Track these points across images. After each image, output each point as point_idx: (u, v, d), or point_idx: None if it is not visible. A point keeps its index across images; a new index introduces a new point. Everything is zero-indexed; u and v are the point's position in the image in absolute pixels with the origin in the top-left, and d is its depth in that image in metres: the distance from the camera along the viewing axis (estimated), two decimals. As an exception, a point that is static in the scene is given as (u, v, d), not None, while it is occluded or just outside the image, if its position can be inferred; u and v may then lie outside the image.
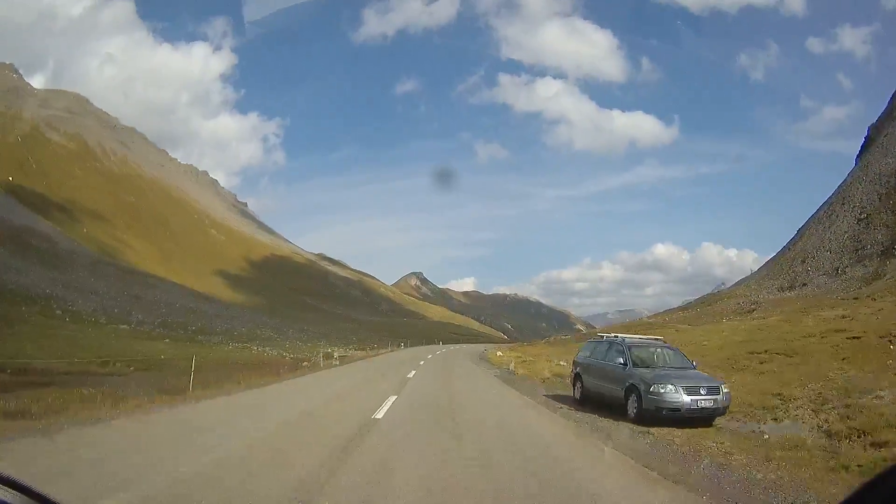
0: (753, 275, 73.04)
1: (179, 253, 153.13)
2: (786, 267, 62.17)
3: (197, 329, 39.57)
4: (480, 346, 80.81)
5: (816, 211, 70.12)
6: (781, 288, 56.64)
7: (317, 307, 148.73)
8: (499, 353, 48.24)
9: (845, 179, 68.70)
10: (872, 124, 72.50)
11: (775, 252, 74.21)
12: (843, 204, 61.64)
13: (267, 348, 32.87)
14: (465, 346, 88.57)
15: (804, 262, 58.88)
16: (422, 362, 34.58)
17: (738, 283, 75.90)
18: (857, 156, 71.98)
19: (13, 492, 1.90)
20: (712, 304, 62.66)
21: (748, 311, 47.62)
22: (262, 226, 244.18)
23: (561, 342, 61.98)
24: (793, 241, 69.13)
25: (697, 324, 46.22)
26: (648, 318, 76.22)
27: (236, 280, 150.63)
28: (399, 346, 69.59)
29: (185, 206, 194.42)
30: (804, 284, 53.67)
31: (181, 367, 20.11)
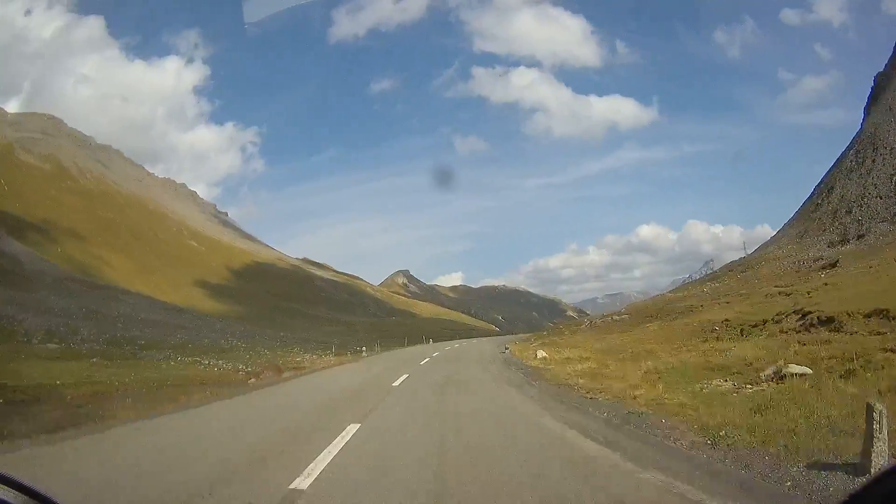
0: (776, 238, 69.19)
1: (159, 266, 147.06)
2: (826, 222, 57.66)
3: (146, 344, 33.67)
4: (485, 343, 67.48)
5: (835, 164, 67.73)
6: (832, 243, 51.93)
7: (302, 312, 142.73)
8: (539, 355, 29.03)
9: (861, 129, 66.33)
10: (880, 72, 70.36)
11: (793, 212, 72.83)
12: (876, 149, 57.41)
13: (223, 361, 26.91)
14: (463, 343, 70.06)
15: (850, 212, 54.19)
16: (396, 383, 19.40)
17: (759, 249, 71.95)
18: (866, 107, 69.32)
19: (14, 492, 1.90)
20: (747, 269, 57.49)
21: (829, 266, 42.73)
22: (243, 234, 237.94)
23: (599, 327, 52.19)
24: (819, 196, 65.46)
25: (757, 290, 41.26)
26: (670, 292, 72.89)
27: (217, 290, 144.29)
28: (376, 348, 53.90)
29: (164, 219, 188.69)
30: (861, 236, 49.18)
31: (63, 396, 14.24)
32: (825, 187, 65.37)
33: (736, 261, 74.70)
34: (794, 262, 50.50)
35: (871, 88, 70.38)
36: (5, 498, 1.85)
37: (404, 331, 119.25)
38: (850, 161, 61.76)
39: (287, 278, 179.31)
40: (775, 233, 72.83)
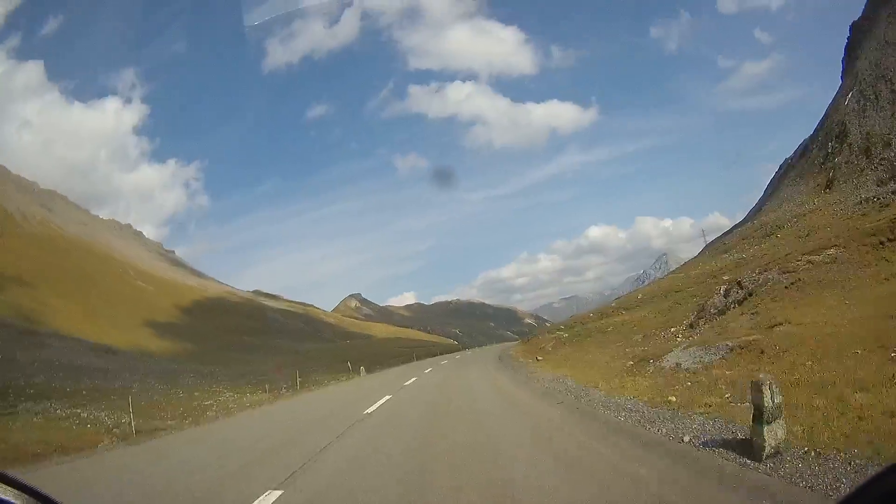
0: (778, 202, 67.30)
1: (105, 308, 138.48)
2: (858, 163, 54.34)
3: (35, 393, 28.68)
4: (471, 368, 38.40)
5: (826, 117, 68.97)
6: (882, 181, 47.89)
7: (255, 345, 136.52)
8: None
9: (844, 79, 69.01)
10: (855, 21, 71.21)
11: (772, 178, 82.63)
12: (888, 80, 56.41)
13: (105, 413, 21.77)
14: (424, 367, 47.39)
15: (890, 145, 51.61)
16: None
17: (752, 218, 73.28)
18: (844, 58, 71.96)
19: (15, 492, 1.88)
20: (771, 233, 52.52)
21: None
22: (192, 271, 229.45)
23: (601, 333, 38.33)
24: (826, 145, 63.34)
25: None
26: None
27: (166, 329, 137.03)
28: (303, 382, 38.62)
29: (109, 261, 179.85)
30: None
31: None
32: (830, 135, 63.24)
33: (738, 228, 75.71)
34: (843, 210, 45.90)
35: (847, 39, 72.12)
36: (6, 498, 1.81)
37: (361, 353, 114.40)
38: (854, 103, 60.43)
39: (239, 312, 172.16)
40: (771, 189, 76.35)
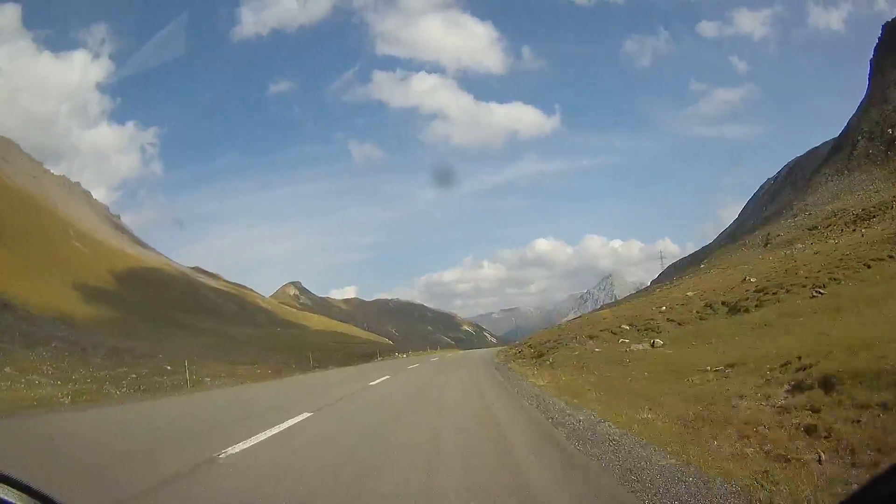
0: (818, 193, 70.98)
1: (42, 264, 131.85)
2: (877, 158, 59.93)
3: None
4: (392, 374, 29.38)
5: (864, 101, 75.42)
6: None
7: (183, 322, 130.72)
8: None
9: (872, 77, 75.62)
10: (887, 22, 77.03)
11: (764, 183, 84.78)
12: None
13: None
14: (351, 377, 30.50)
15: None
16: None
17: (775, 219, 76.10)
18: (874, 58, 77.40)
19: (15, 491, 1.86)
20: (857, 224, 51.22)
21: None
22: (135, 239, 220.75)
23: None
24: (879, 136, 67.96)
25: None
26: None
27: (95, 294, 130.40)
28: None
29: (53, 218, 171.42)
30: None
31: None
32: (874, 131, 68.52)
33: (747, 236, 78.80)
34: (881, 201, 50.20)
35: (879, 38, 78.07)
36: (5, 498, 1.79)
37: (291, 343, 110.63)
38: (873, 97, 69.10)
39: (173, 286, 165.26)
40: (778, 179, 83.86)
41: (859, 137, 70.40)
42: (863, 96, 77.43)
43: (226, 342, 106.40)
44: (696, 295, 38.75)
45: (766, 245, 58.06)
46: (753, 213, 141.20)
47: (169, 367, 29.30)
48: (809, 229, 55.93)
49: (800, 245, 50.27)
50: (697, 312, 32.97)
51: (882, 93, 70.12)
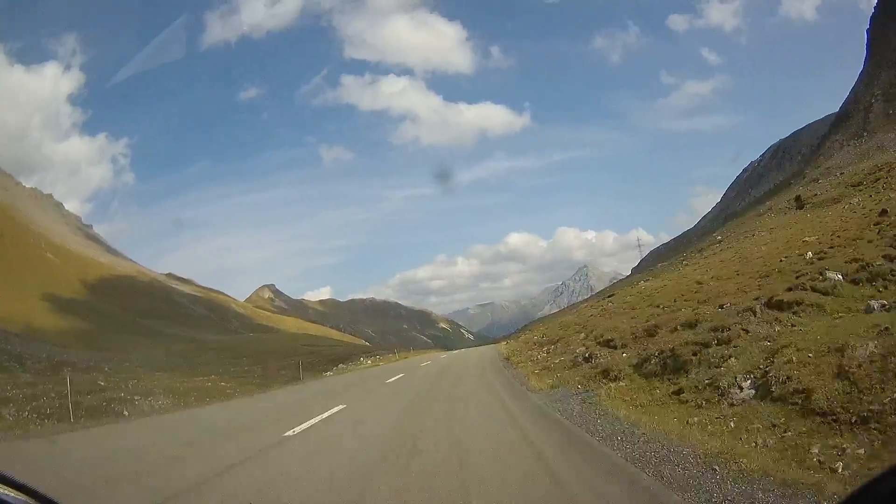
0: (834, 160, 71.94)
1: (9, 276, 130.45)
2: None
3: None
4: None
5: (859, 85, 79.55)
6: None
7: (153, 329, 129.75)
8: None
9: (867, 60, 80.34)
10: (873, 14, 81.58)
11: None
12: None
13: None
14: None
15: None
16: None
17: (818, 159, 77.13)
18: (868, 43, 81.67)
19: (14, 492, 1.86)
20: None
21: None
22: (106, 247, 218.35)
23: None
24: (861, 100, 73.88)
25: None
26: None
27: (65, 304, 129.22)
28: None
29: (24, 230, 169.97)
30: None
31: None
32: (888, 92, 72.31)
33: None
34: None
35: (867, 31, 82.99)
36: (5, 498, 1.78)
37: (263, 349, 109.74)
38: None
39: (144, 293, 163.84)
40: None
41: (872, 101, 74.52)
42: (861, 68, 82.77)
43: (194, 349, 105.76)
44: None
45: (801, 207, 57.64)
46: (739, 195, 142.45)
47: (102, 383, 28.63)
48: (853, 186, 56.23)
49: (855, 199, 49.91)
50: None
51: (891, 57, 74.81)
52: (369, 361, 60.86)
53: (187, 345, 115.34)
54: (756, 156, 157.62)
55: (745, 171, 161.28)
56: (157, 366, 73.45)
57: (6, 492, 1.80)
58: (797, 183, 73.88)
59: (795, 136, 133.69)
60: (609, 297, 46.06)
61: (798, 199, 60.15)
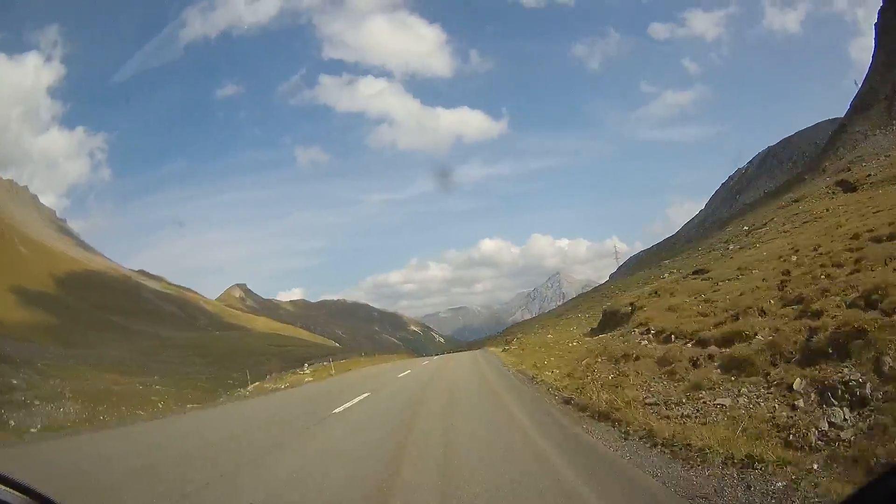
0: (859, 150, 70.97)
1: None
2: None
3: None
4: None
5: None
6: None
7: (120, 326, 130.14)
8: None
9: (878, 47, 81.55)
10: (882, 7, 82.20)
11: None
12: None
13: None
14: None
15: None
16: None
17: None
18: (877, 34, 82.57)
19: (14, 492, 1.85)
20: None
21: None
22: (79, 242, 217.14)
23: None
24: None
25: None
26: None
27: (33, 298, 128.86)
28: None
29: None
30: None
31: None
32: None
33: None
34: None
35: (876, 25, 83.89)
36: (5, 498, 1.77)
37: (229, 349, 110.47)
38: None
39: (114, 289, 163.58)
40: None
41: (894, 90, 76.16)
42: (870, 62, 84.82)
43: (157, 346, 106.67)
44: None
45: (852, 189, 55.53)
46: (726, 202, 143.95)
47: (15, 382, 29.79)
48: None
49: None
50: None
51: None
52: (309, 372, 41.41)
53: (152, 341, 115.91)
54: (736, 165, 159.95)
55: (731, 177, 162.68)
56: (110, 364, 74.81)
57: (6, 492, 1.81)
58: (816, 176, 72.53)
59: (785, 142, 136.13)
60: (698, 273, 32.08)
61: (844, 182, 57.66)
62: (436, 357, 57.95)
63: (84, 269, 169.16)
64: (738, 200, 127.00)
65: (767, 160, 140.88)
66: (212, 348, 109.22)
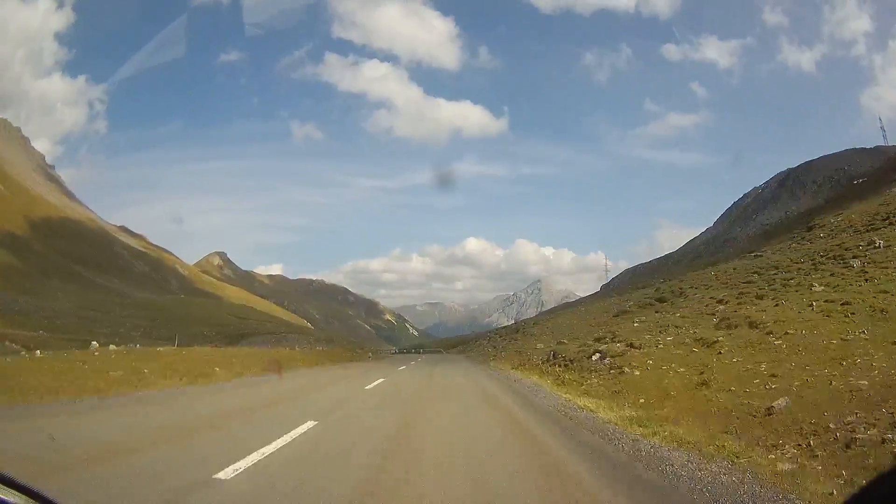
0: None
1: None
2: None
3: None
4: None
5: None
6: None
7: (83, 278, 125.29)
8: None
9: None
10: None
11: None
12: None
13: None
14: None
15: None
16: None
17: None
18: None
19: (13, 492, 1.83)
20: None
21: None
22: (64, 190, 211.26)
23: None
24: None
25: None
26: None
27: (1, 238, 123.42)
28: None
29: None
30: None
31: None
32: None
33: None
34: None
35: None
36: (5, 498, 1.74)
37: (187, 313, 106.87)
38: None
39: (87, 240, 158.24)
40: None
41: None
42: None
43: (109, 303, 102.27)
44: None
45: None
46: (739, 221, 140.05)
47: None
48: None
49: None
50: None
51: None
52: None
53: (109, 297, 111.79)
54: (734, 196, 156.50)
55: (746, 196, 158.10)
56: (46, 315, 70.69)
57: (6, 492, 1.73)
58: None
59: (807, 165, 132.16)
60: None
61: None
62: (413, 363, 38.14)
63: (60, 215, 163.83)
64: (754, 220, 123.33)
65: (787, 182, 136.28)
66: (169, 311, 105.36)
